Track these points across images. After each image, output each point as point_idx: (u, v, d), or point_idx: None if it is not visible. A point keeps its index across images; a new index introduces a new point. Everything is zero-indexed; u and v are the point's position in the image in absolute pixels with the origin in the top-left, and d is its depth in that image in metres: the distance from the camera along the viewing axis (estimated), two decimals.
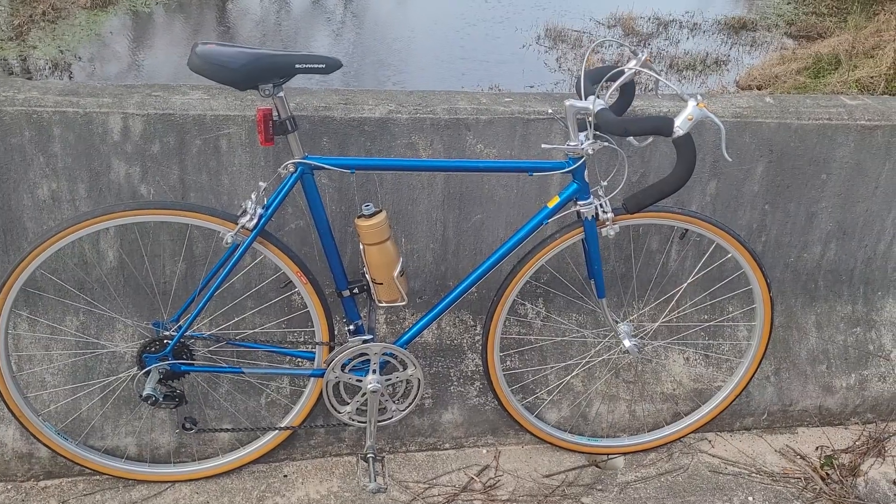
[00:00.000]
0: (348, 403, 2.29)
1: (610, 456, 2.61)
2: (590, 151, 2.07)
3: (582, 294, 2.59)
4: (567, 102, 2.04)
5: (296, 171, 2.01)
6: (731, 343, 2.71)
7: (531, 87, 8.19)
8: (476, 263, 2.49)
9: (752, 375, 2.54)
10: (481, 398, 2.56)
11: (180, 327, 2.16)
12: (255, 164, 2.26)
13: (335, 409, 2.28)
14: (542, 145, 2.07)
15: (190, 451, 2.39)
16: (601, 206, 2.17)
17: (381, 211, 2.08)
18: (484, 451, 2.59)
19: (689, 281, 2.54)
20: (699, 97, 1.88)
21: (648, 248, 2.59)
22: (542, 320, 2.61)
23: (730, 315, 2.68)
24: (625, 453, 2.61)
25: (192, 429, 2.24)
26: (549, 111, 2.30)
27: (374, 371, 2.25)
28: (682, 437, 2.63)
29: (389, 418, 2.34)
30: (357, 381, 2.26)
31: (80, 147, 2.16)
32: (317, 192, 2.06)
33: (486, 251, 2.51)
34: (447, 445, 2.57)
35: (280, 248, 2.10)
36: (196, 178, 2.26)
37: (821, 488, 2.54)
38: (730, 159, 1.94)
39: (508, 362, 2.56)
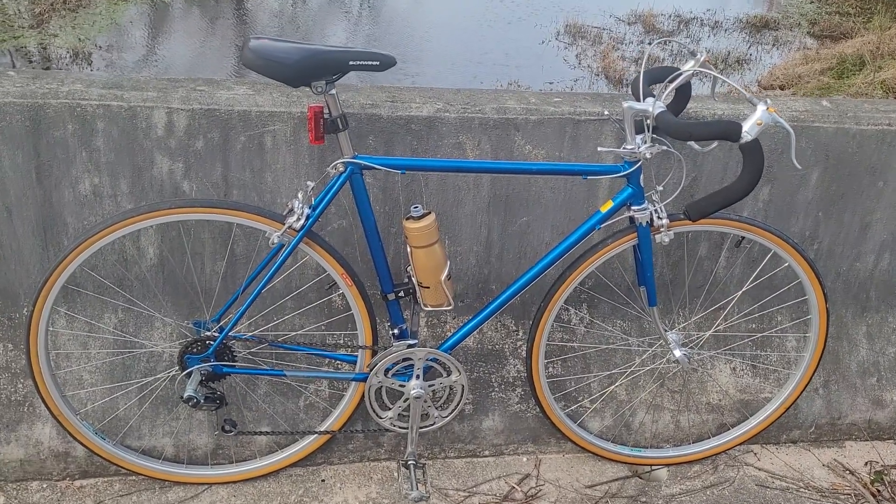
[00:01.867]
0: (390, 409, 2.24)
1: (653, 467, 2.54)
2: (647, 155, 2.01)
3: (629, 300, 2.52)
4: (625, 104, 1.98)
5: (345, 170, 1.96)
6: (780, 354, 2.63)
7: (550, 83, 8.11)
8: (520, 268, 2.44)
9: (804, 388, 2.46)
10: (522, 405, 2.50)
11: (222, 328, 2.11)
12: (300, 163, 2.21)
13: (377, 415, 2.23)
14: (599, 148, 2.00)
15: (227, 452, 2.34)
16: (656, 211, 2.11)
17: (429, 213, 2.03)
18: (524, 459, 2.53)
19: (743, 289, 2.46)
20: (768, 101, 1.80)
21: (698, 255, 2.52)
22: (585, 326, 2.55)
23: (780, 325, 2.61)
24: (669, 465, 2.54)
25: (231, 431, 2.19)
26: (606, 113, 2.23)
27: (417, 376, 2.19)
28: (729, 449, 2.56)
29: (431, 424, 2.28)
30: (400, 386, 2.20)
31: (123, 142, 2.12)
32: (365, 193, 2.01)
33: (531, 255, 2.45)
34: (487, 452, 2.51)
35: (326, 249, 2.05)
36: (239, 175, 2.21)
37: None
38: (800, 167, 1.87)
39: (551, 369, 2.50)
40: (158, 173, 2.17)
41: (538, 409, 2.42)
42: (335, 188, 1.97)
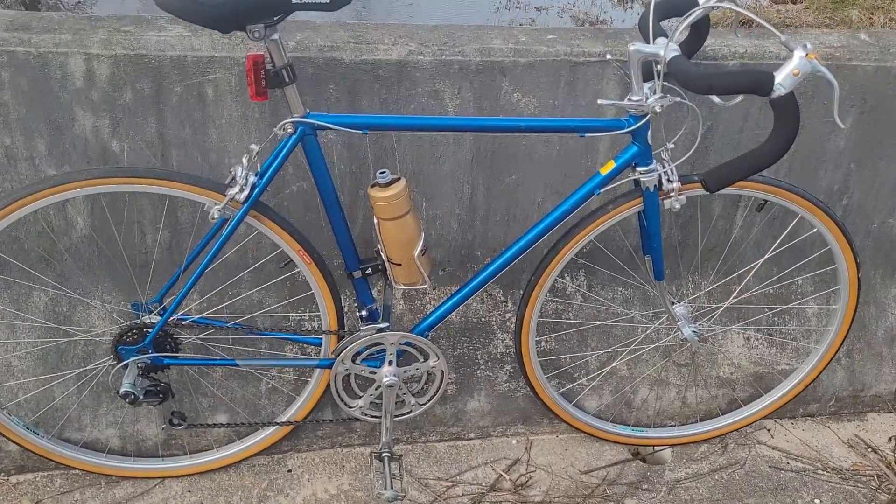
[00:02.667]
0: (360, 397, 1.98)
1: (657, 448, 2.30)
2: (657, 109, 1.68)
3: (630, 270, 2.22)
4: (631, 47, 1.64)
5: (295, 131, 1.64)
6: (799, 323, 2.35)
7: None
8: (508, 232, 2.14)
9: (828, 363, 2.20)
10: (511, 383, 2.24)
11: (163, 310, 1.83)
12: (249, 117, 1.88)
13: (345, 404, 1.97)
14: (599, 101, 1.67)
15: (181, 443, 2.10)
16: (666, 173, 1.79)
17: (399, 179, 1.71)
18: (514, 442, 2.29)
19: (765, 257, 2.15)
20: (808, 45, 1.47)
21: (711, 215, 2.22)
22: (581, 297, 2.26)
23: (803, 296, 2.32)
24: (674, 445, 2.30)
25: (180, 425, 1.94)
26: (608, 56, 1.89)
27: (390, 362, 1.92)
28: (741, 428, 2.31)
29: (407, 413, 2.03)
30: (371, 373, 1.94)
31: (35, 95, 1.78)
32: (321, 157, 1.69)
33: (521, 218, 2.15)
34: (472, 435, 2.27)
35: (277, 223, 1.75)
36: (178, 132, 1.88)
37: None
38: (843, 126, 1.54)
39: (543, 344, 2.23)
40: (81, 131, 1.84)
41: (528, 389, 2.16)
42: (284, 153, 1.65)
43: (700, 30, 1.81)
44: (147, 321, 1.81)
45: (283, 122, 1.63)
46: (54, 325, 1.98)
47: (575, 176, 2.10)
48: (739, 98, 1.59)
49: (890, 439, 2.40)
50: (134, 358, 1.79)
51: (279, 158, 1.66)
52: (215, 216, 1.67)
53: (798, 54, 1.46)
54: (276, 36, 1.53)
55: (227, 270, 2.03)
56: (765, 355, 2.34)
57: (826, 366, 2.20)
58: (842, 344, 2.16)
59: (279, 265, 1.86)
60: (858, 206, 2.30)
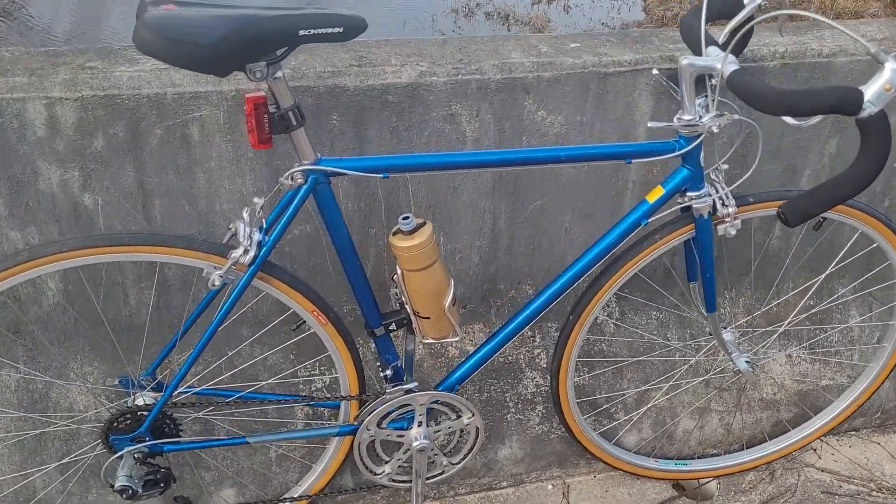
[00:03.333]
0: (387, 462, 1.77)
1: (701, 481, 2.13)
2: (714, 129, 1.48)
3: (671, 296, 2.03)
4: (684, 61, 1.43)
5: (306, 181, 1.40)
6: (850, 341, 2.19)
7: None
8: (534, 261, 1.94)
9: (882, 382, 2.04)
10: (545, 425, 2.05)
11: (158, 385, 1.59)
12: (242, 157, 1.64)
13: (370, 472, 1.75)
14: (650, 124, 1.47)
15: None
16: (721, 198, 1.60)
17: (424, 224, 1.49)
18: (549, 487, 2.10)
19: (826, 273, 1.97)
20: None
21: (755, 233, 2.04)
22: (615, 325, 2.07)
23: (855, 312, 2.16)
24: (720, 476, 2.13)
25: None
26: (655, 71, 1.68)
27: (419, 423, 1.71)
28: (791, 453, 2.15)
29: (440, 474, 1.82)
30: (399, 436, 1.72)
31: None
32: (336, 206, 1.46)
33: (547, 245, 1.94)
34: (504, 484, 2.07)
35: (287, 282, 1.51)
36: (160, 179, 1.63)
37: None
38: None
39: (577, 380, 2.03)
40: (47, 186, 1.58)
41: (566, 433, 1.96)
42: (294, 206, 1.42)
43: (746, 32, 1.61)
44: (141, 402, 1.57)
45: (291, 170, 1.39)
46: (25, 412, 1.72)
47: (605, 197, 1.90)
48: (818, 118, 1.40)
49: None
50: (130, 448, 1.55)
51: (289, 212, 1.42)
52: (216, 283, 1.43)
53: (890, 66, 1.27)
54: (279, 73, 1.29)
55: (228, 334, 1.79)
56: (808, 371, 2.18)
57: (881, 384, 2.04)
58: None
59: (290, 327, 1.63)
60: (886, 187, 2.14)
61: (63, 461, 1.74)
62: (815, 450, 2.23)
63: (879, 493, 2.14)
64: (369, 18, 1.27)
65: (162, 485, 1.61)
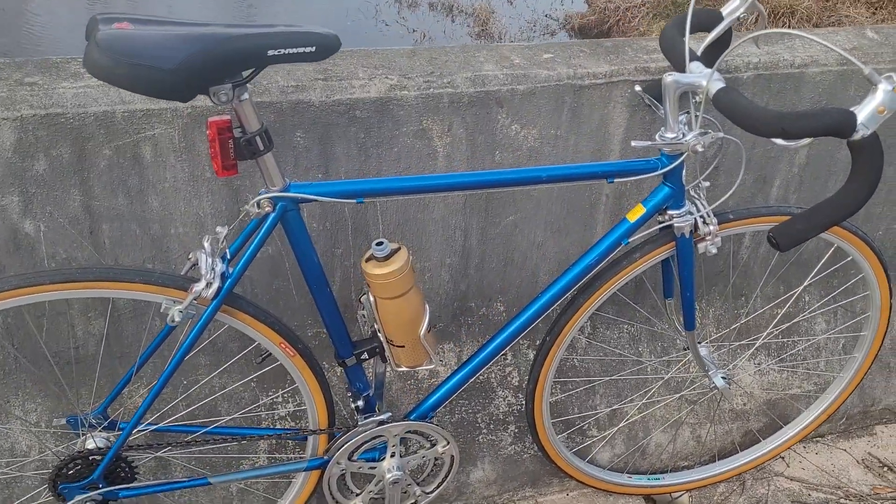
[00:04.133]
0: (358, 495, 1.68)
1: (674, 495, 2.11)
2: (699, 148, 1.43)
3: (645, 312, 1.99)
4: (668, 77, 1.38)
5: (274, 208, 1.30)
6: (811, 345, 2.20)
7: None
8: (506, 277, 1.88)
9: (852, 391, 2.05)
10: (517, 445, 1.99)
11: (111, 423, 1.48)
12: (199, 177, 1.53)
13: None
14: (633, 143, 1.41)
15: None
16: (703, 216, 1.55)
17: (399, 249, 1.41)
18: None
19: (804, 285, 1.95)
20: (894, 78, 1.24)
21: (733, 250, 2.01)
22: (587, 340, 2.02)
23: (833, 326, 2.16)
24: (692, 490, 2.11)
25: None
26: (637, 87, 1.62)
27: (392, 455, 1.63)
28: (762, 464, 2.14)
29: (413, 503, 1.75)
30: (370, 468, 1.64)
31: None
32: (305, 233, 1.36)
33: (520, 260, 1.88)
34: None
35: (252, 314, 1.41)
36: (109, 202, 1.51)
37: None
38: None
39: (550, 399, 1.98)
40: None
41: (540, 454, 1.91)
42: (262, 234, 1.32)
43: (722, 43, 1.57)
44: (92, 445, 1.45)
45: (258, 197, 1.29)
46: None
47: (578, 210, 1.84)
48: (808, 141, 1.37)
49: None
50: (82, 496, 1.43)
51: (255, 242, 1.32)
52: (176, 318, 1.32)
53: (883, 88, 1.24)
54: (245, 95, 1.19)
55: (185, 365, 1.67)
56: (776, 380, 2.18)
57: (851, 393, 2.05)
58: (868, 370, 2.00)
59: (256, 360, 1.53)
60: (866, 214, 2.14)
61: None
62: (783, 458, 2.23)
63: (847, 501, 2.14)
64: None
65: None
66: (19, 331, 1.57)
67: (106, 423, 1.50)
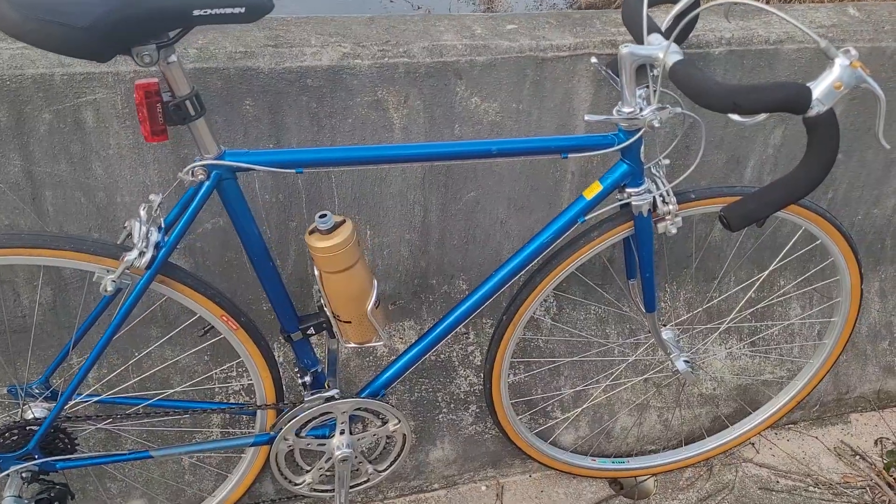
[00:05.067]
0: (307, 471, 1.66)
1: (639, 479, 2.08)
2: (655, 124, 1.38)
3: (606, 293, 1.95)
4: (624, 49, 1.33)
5: (208, 177, 1.26)
6: (782, 329, 2.15)
7: None
8: (468, 254, 1.84)
9: (823, 377, 2.00)
10: (478, 425, 1.96)
11: (53, 393, 1.45)
12: (143, 145, 1.49)
13: (289, 482, 1.64)
14: (587, 117, 1.36)
15: None
16: (662, 195, 1.51)
17: (344, 221, 1.37)
18: (483, 488, 2.02)
19: (769, 269, 1.91)
20: (852, 52, 1.19)
21: (696, 228, 1.96)
22: (552, 320, 1.98)
23: (802, 310, 2.12)
24: (658, 474, 2.08)
25: None
26: (594, 60, 1.57)
27: (342, 432, 1.60)
28: (730, 449, 2.11)
29: (365, 482, 1.72)
30: (319, 444, 1.61)
31: None
32: (244, 202, 1.32)
33: (482, 238, 1.84)
34: (436, 486, 1.98)
35: (191, 286, 1.38)
36: (51, 169, 1.47)
37: (889, 500, 2.09)
38: (888, 146, 1.28)
39: (512, 377, 1.94)
40: None
41: (500, 434, 1.88)
42: (195, 205, 1.28)
43: (692, 18, 1.51)
44: (30, 415, 1.43)
45: (192, 165, 1.25)
46: None
47: (543, 188, 1.80)
48: (764, 117, 1.31)
49: (876, 442, 2.25)
50: (16, 467, 1.41)
51: (190, 211, 1.28)
52: (108, 288, 1.29)
53: (840, 63, 1.19)
54: (173, 58, 1.14)
55: (134, 335, 1.65)
56: (748, 366, 2.14)
57: (821, 380, 2.00)
58: (839, 357, 1.96)
59: (198, 333, 1.49)
60: (844, 198, 2.09)
61: None
62: (752, 444, 2.19)
63: (816, 489, 2.11)
64: None
65: (58, 502, 1.47)
66: None
67: (48, 393, 1.47)
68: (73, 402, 1.42)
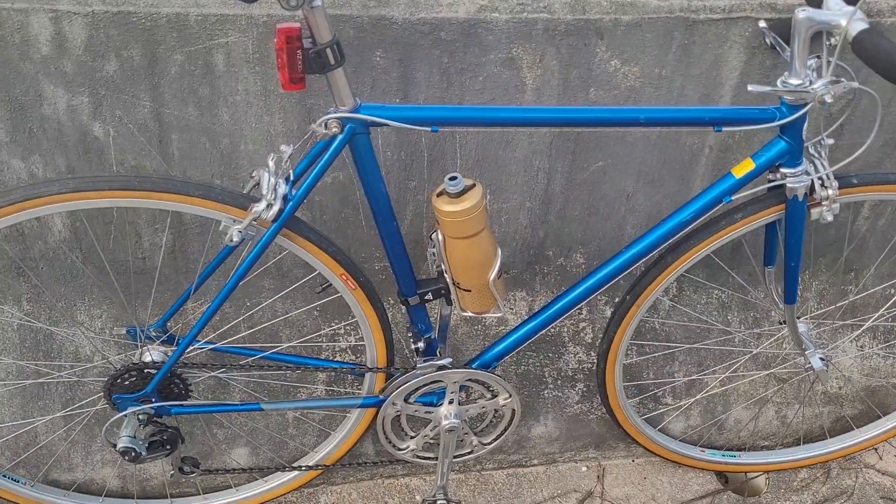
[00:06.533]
0: (412, 437, 1.62)
1: (749, 475, 1.97)
2: (828, 99, 1.25)
3: (740, 279, 1.83)
4: (801, 13, 1.19)
5: (342, 130, 1.21)
6: None
7: None
8: (588, 228, 1.75)
9: None
10: (584, 404, 1.89)
11: (170, 337, 1.45)
12: (272, 92, 1.45)
13: (393, 447, 1.61)
14: (750, 87, 1.24)
15: (192, 481, 1.75)
16: (822, 178, 1.37)
17: (474, 185, 1.29)
18: (583, 469, 1.95)
19: None
20: None
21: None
22: (670, 302, 1.88)
23: None
24: (770, 471, 1.96)
25: (191, 472, 1.58)
26: (762, 23, 1.43)
27: (450, 402, 1.55)
28: (853, 453, 1.97)
29: (468, 453, 1.67)
30: (427, 412, 1.57)
31: None
32: (374, 161, 1.27)
33: (605, 211, 1.74)
34: (535, 461, 1.92)
35: (314, 241, 1.34)
36: (179, 112, 1.45)
37: None
38: None
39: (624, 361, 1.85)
40: (52, 111, 1.41)
41: (608, 416, 1.80)
42: (328, 157, 1.23)
43: None
44: (148, 358, 1.43)
45: (326, 117, 1.20)
46: (29, 360, 1.59)
47: (674, 160, 1.68)
48: None
49: None
50: (134, 408, 1.41)
51: (320, 164, 1.23)
52: (234, 238, 1.26)
53: None
54: (318, 1, 1.08)
55: (248, 286, 1.64)
56: (880, 366, 1.98)
57: None
58: None
59: (316, 290, 1.46)
60: None
61: (65, 412, 1.61)
62: (876, 450, 2.05)
63: None
64: None
65: (168, 446, 1.48)
66: (87, 237, 1.56)
67: (164, 337, 1.47)
68: (191, 348, 1.41)
